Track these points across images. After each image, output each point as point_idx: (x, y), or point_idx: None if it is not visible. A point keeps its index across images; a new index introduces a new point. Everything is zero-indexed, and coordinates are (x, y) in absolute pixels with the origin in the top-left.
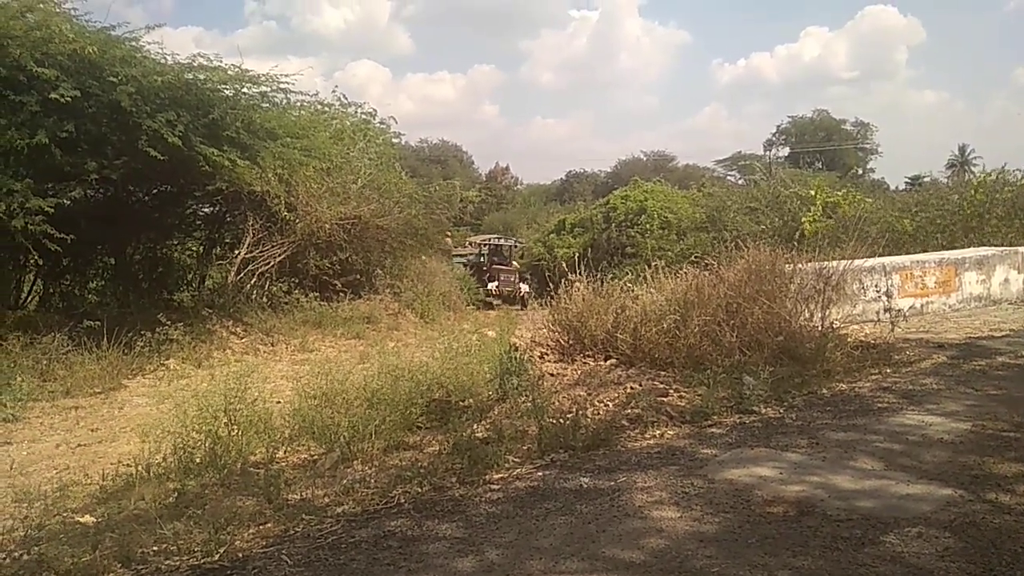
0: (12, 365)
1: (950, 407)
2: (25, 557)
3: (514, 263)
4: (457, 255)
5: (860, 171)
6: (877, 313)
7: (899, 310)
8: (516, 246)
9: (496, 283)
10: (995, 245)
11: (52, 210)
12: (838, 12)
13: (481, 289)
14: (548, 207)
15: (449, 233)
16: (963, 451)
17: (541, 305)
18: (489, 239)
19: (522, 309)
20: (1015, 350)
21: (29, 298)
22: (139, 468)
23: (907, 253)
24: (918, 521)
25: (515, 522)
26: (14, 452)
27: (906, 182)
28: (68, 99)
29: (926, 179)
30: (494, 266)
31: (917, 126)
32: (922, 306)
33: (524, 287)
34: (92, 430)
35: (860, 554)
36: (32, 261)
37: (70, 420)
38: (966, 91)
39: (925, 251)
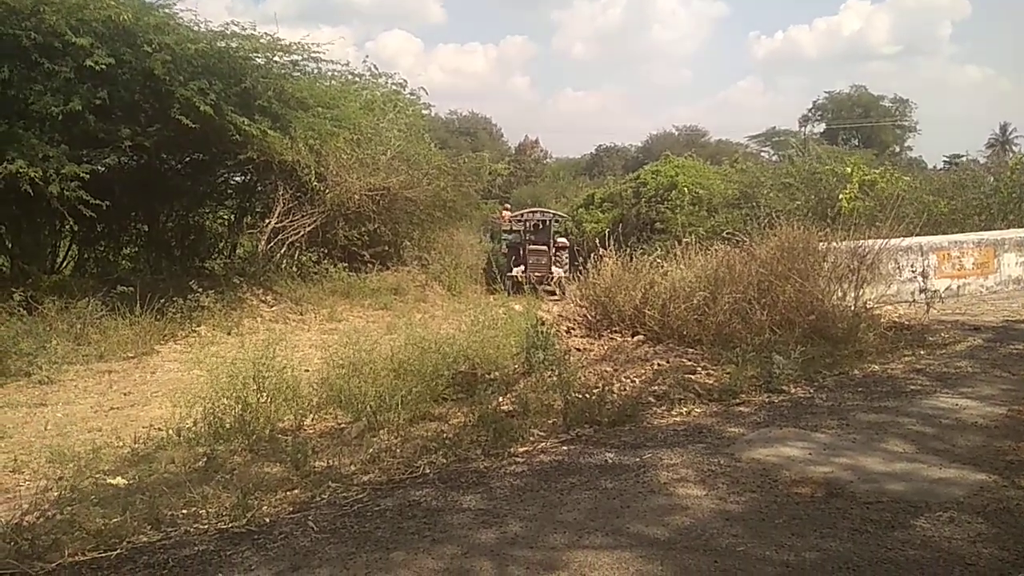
0: (48, 328)
1: (985, 391)
2: (58, 517)
3: (560, 239)
4: (506, 231)
5: (898, 149)
6: (912, 294)
7: (935, 291)
8: (558, 221)
9: (522, 268)
10: None
11: (87, 176)
12: None
13: (504, 276)
14: (577, 181)
15: (508, 207)
16: (998, 436)
17: (567, 281)
18: (523, 213)
19: (560, 298)
20: None
21: (64, 263)
22: (170, 432)
23: (944, 234)
24: (950, 506)
25: (539, 496)
26: (49, 414)
27: (944, 161)
28: (102, 67)
29: (964, 158)
30: (529, 247)
31: (958, 103)
32: (958, 287)
33: (558, 271)
34: (125, 394)
35: (889, 537)
36: (67, 227)
37: (103, 383)
38: (1011, 68)
39: (963, 232)
